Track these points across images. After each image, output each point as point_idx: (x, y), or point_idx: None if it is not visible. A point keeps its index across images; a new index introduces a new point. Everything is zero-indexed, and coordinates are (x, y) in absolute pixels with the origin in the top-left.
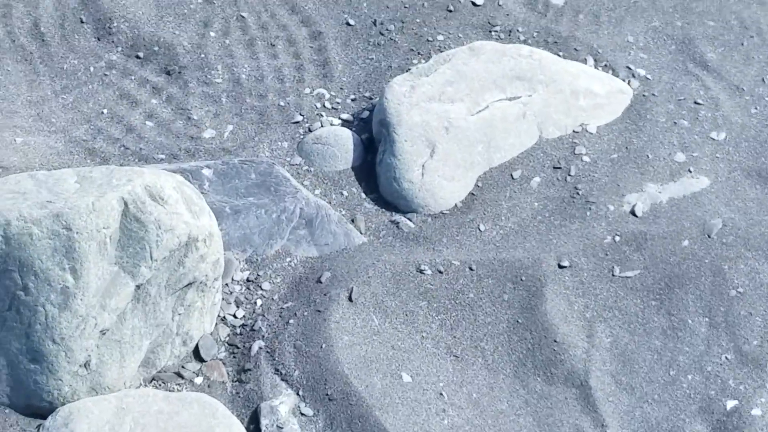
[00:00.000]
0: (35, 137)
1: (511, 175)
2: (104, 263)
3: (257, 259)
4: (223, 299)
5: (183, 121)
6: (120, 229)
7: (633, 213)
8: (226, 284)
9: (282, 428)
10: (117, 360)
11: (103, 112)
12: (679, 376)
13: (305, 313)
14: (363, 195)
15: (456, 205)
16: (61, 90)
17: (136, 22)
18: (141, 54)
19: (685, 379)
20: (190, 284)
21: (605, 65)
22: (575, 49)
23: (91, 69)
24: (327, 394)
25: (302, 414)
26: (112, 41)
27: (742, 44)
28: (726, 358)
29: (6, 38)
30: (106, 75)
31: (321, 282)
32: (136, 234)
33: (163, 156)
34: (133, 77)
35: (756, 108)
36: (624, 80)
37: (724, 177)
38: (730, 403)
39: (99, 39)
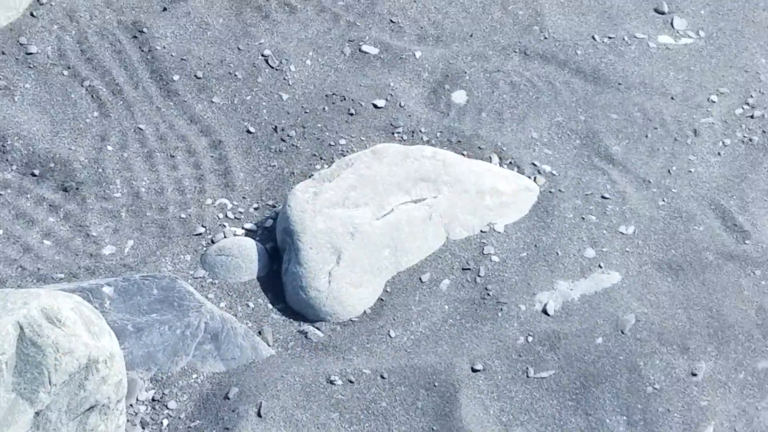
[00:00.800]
0: None
1: (420, 278)
2: (1, 390)
3: (162, 378)
4: (128, 421)
5: (82, 238)
6: (16, 354)
7: (545, 312)
8: (131, 405)
9: None
10: None
11: None
12: None
13: None
14: (270, 306)
15: (365, 311)
16: None
17: (30, 139)
18: (36, 171)
19: None
20: (92, 408)
21: (510, 162)
22: (479, 147)
23: None
24: None
25: None
26: (6, 159)
27: (646, 136)
28: None
29: None
30: (0, 195)
31: (228, 398)
32: (34, 359)
33: (62, 275)
34: (28, 195)
35: (663, 200)
36: (530, 177)
37: (634, 271)
38: None
39: None
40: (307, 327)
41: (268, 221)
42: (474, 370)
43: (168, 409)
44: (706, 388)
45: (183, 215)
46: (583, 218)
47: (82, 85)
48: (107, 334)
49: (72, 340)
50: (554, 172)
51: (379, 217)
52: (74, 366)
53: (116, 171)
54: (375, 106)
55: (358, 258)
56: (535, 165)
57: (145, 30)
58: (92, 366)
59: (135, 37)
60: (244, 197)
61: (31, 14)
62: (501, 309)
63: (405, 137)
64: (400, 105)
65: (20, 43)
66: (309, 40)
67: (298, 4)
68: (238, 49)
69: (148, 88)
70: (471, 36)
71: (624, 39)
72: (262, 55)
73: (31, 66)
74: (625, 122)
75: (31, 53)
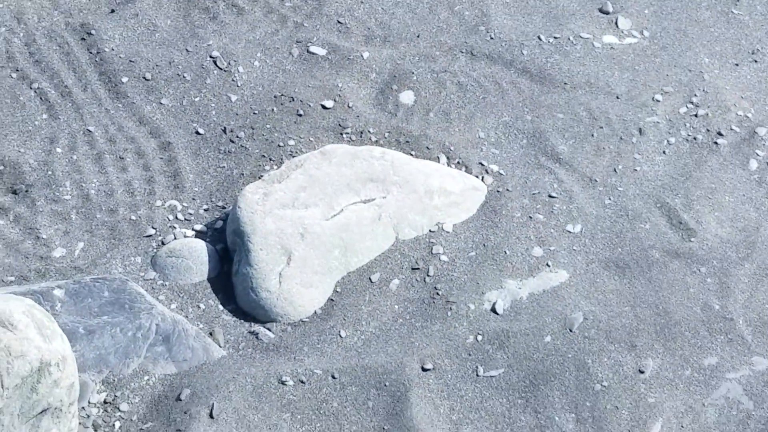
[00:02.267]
0: None
1: (370, 278)
2: None
3: (114, 380)
4: (80, 423)
5: (32, 240)
6: None
7: (494, 311)
8: (83, 408)
9: None
10: None
11: None
12: None
13: None
14: (221, 307)
15: (315, 312)
16: None
17: None
18: None
19: None
20: (44, 411)
21: (458, 162)
22: (427, 147)
23: None
24: None
25: None
26: None
27: (592, 135)
28: None
29: None
30: None
31: (181, 399)
32: None
33: (12, 278)
34: None
35: (609, 198)
36: (477, 176)
37: (582, 270)
38: None
39: None
40: (258, 328)
41: (218, 222)
42: (424, 370)
43: (120, 411)
44: (653, 385)
45: (133, 217)
46: (530, 217)
47: (31, 88)
48: (59, 337)
49: (24, 343)
50: (502, 171)
51: (329, 217)
52: (26, 369)
53: (66, 173)
54: (323, 107)
55: (309, 258)
56: (482, 165)
57: (93, 32)
58: (44, 369)
59: (83, 39)
60: (193, 198)
61: None
62: (450, 308)
63: (353, 138)
64: (348, 106)
65: None
66: (257, 41)
67: (246, 5)
68: (187, 50)
69: (97, 90)
70: (418, 36)
71: (569, 39)
72: (210, 57)
73: None
74: (572, 121)
75: None
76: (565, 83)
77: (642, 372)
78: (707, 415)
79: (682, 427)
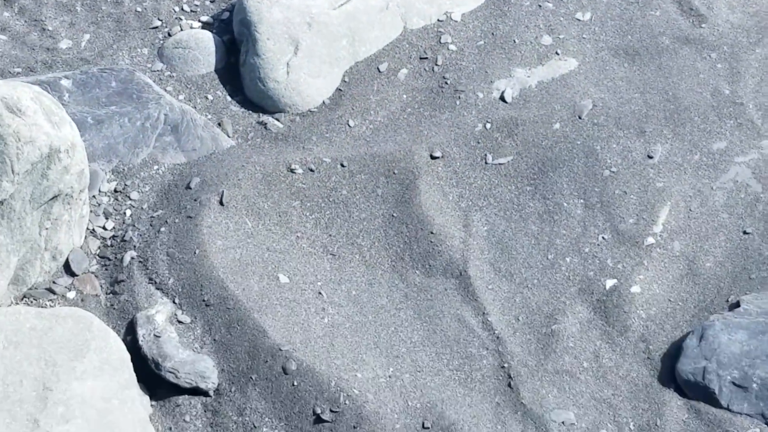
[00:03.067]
0: None
1: (378, 68)
2: None
3: (124, 169)
4: (91, 211)
5: (38, 32)
6: None
7: (503, 99)
8: (93, 196)
9: (159, 337)
10: None
11: None
12: (558, 260)
13: (176, 221)
14: (228, 98)
15: (323, 102)
16: None
17: None
18: None
19: (563, 262)
20: (55, 197)
21: None
22: None
23: None
24: (203, 300)
25: (179, 322)
26: None
27: None
28: (603, 238)
29: None
30: None
31: (190, 188)
32: None
33: (19, 69)
34: None
35: None
36: None
37: (591, 57)
38: (609, 282)
39: None
40: (266, 118)
41: (225, 14)
42: (433, 157)
43: (130, 199)
44: (662, 170)
45: (139, 9)
46: (539, 6)
47: None
48: (68, 124)
49: (33, 129)
50: None
51: (336, 7)
52: (36, 155)
53: None
54: None
55: (316, 48)
56: None
57: None
58: (54, 155)
59: None
60: None
61: None
62: (459, 97)
63: None
64: None
65: None
66: None
67: None
68: None
69: None
70: None
71: None
72: None
73: None
74: None
75: None
76: None
77: (651, 157)
78: (715, 198)
79: (690, 210)
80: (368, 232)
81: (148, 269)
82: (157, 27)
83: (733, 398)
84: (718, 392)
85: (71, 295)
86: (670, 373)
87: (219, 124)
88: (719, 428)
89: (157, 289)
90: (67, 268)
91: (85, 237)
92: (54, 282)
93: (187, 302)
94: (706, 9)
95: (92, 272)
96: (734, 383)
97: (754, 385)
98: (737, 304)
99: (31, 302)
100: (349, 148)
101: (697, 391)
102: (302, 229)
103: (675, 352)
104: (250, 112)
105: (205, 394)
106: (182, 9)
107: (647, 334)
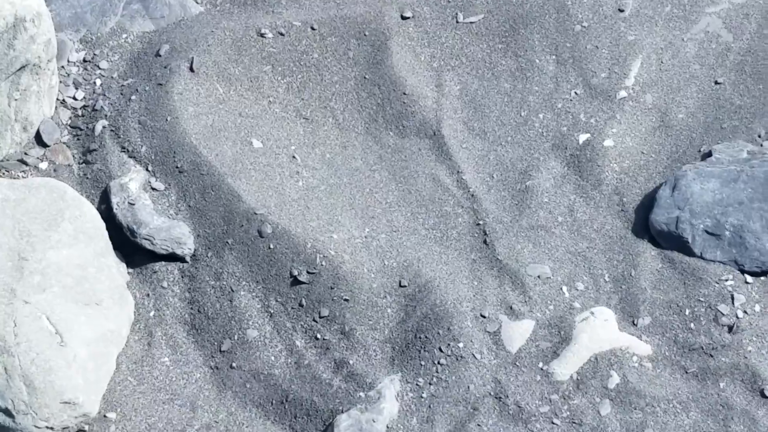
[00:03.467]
0: None
1: None
2: None
3: (92, 39)
4: (60, 82)
5: None
6: None
7: None
8: (62, 67)
9: (134, 204)
10: None
11: None
12: (531, 116)
13: (147, 88)
14: None
15: None
16: None
17: None
18: None
19: (536, 119)
20: (23, 67)
21: None
22: None
23: None
24: (177, 167)
25: (153, 189)
26: None
27: None
28: (575, 93)
29: None
30: None
31: (160, 55)
32: None
33: None
34: None
35: None
36: None
37: None
38: (583, 137)
39: None
40: None
41: None
42: (404, 18)
43: (100, 69)
44: (633, 23)
45: None
46: None
47: None
48: None
49: None
50: None
51: None
52: (1, 25)
53: None
54: None
55: None
56: None
57: None
58: (19, 25)
59: None
60: None
61: None
62: None
63: None
64: None
65: None
66: None
67: None
68: None
69: None
70: None
71: None
72: None
73: None
74: None
75: None
76: None
77: (622, 11)
78: (687, 49)
79: (662, 62)
80: (341, 94)
81: (120, 138)
82: None
83: (706, 246)
84: (692, 241)
85: (44, 165)
86: (644, 225)
87: None
88: (693, 276)
89: (130, 157)
90: (39, 139)
91: (56, 108)
92: (26, 153)
93: (160, 169)
94: None
95: (64, 142)
96: (707, 231)
97: (727, 233)
98: (709, 154)
99: (3, 174)
100: (319, 11)
101: (671, 241)
102: (274, 93)
103: (648, 203)
104: None
105: (181, 260)
106: None
107: (621, 186)
